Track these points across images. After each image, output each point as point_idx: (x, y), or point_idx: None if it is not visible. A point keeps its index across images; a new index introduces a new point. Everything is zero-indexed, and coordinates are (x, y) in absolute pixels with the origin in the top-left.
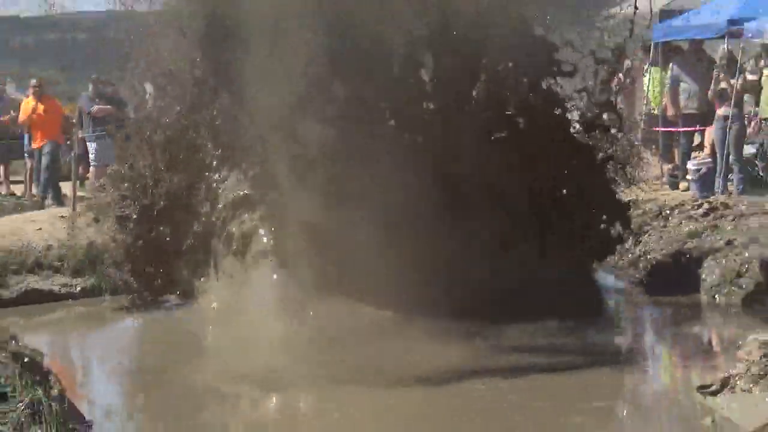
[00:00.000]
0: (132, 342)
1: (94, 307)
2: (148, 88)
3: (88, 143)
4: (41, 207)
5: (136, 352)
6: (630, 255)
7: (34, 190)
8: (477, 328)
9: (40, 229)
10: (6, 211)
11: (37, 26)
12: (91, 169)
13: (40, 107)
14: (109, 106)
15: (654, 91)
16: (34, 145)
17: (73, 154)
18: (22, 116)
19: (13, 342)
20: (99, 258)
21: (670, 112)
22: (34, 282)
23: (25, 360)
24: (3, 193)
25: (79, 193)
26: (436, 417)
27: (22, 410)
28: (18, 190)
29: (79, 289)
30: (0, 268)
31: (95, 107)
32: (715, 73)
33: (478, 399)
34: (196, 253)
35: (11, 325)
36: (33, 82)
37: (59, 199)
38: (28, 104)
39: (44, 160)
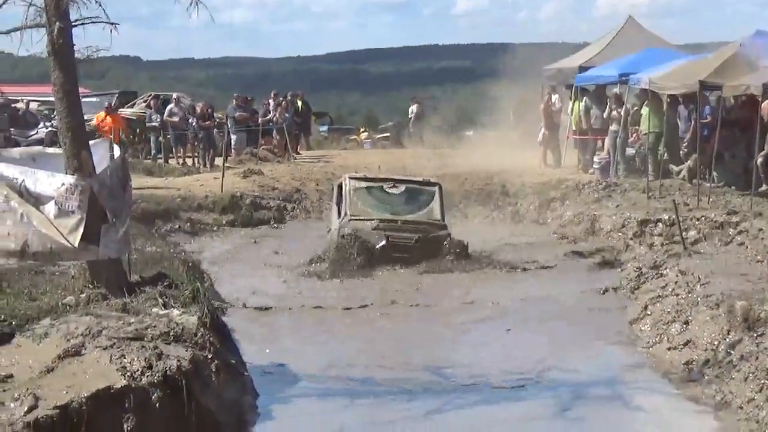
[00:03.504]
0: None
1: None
2: (271, 103)
3: (231, 135)
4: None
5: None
6: (557, 212)
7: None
8: None
9: (202, 185)
10: (181, 174)
11: (204, 65)
12: (233, 150)
13: (109, 119)
14: (246, 113)
15: (575, 114)
16: None
17: (224, 142)
18: (95, 122)
19: (183, 252)
20: (237, 203)
21: (584, 126)
22: (197, 216)
23: (189, 263)
24: (180, 164)
25: (226, 164)
26: None
27: (187, 294)
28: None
29: (224, 221)
30: (177, 207)
31: (237, 113)
32: (608, 104)
33: None
34: None
35: (182, 242)
36: (199, 103)
37: None
38: (99, 117)
39: None
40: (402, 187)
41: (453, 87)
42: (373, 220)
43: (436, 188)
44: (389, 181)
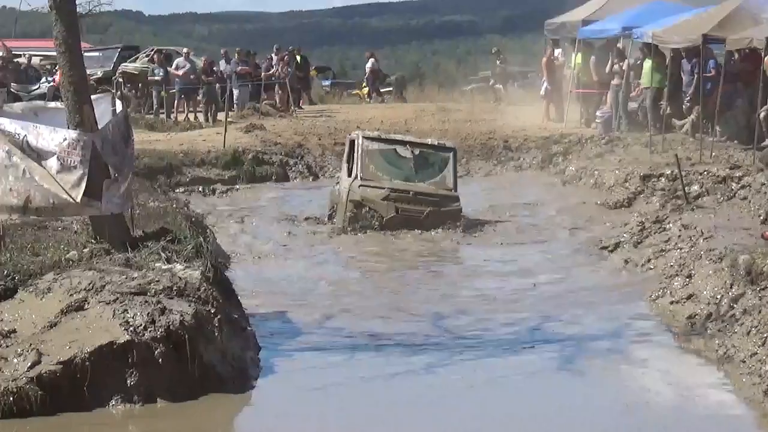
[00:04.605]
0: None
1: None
2: (274, 57)
3: (234, 90)
4: None
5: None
6: (560, 167)
7: (201, 118)
8: None
9: (205, 140)
10: (183, 129)
11: (204, 20)
12: (235, 105)
13: None
14: (248, 68)
15: (576, 68)
16: None
17: (226, 97)
18: (58, 78)
19: (186, 207)
20: (240, 158)
21: (595, 79)
22: (199, 172)
23: (192, 219)
24: (184, 119)
25: (228, 119)
26: None
27: (190, 249)
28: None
29: (226, 177)
30: (179, 163)
31: (240, 68)
32: (610, 58)
33: None
34: None
35: (185, 196)
36: (201, 58)
37: None
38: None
39: None
40: (416, 151)
41: (455, 41)
42: (384, 188)
43: (451, 154)
44: (403, 144)
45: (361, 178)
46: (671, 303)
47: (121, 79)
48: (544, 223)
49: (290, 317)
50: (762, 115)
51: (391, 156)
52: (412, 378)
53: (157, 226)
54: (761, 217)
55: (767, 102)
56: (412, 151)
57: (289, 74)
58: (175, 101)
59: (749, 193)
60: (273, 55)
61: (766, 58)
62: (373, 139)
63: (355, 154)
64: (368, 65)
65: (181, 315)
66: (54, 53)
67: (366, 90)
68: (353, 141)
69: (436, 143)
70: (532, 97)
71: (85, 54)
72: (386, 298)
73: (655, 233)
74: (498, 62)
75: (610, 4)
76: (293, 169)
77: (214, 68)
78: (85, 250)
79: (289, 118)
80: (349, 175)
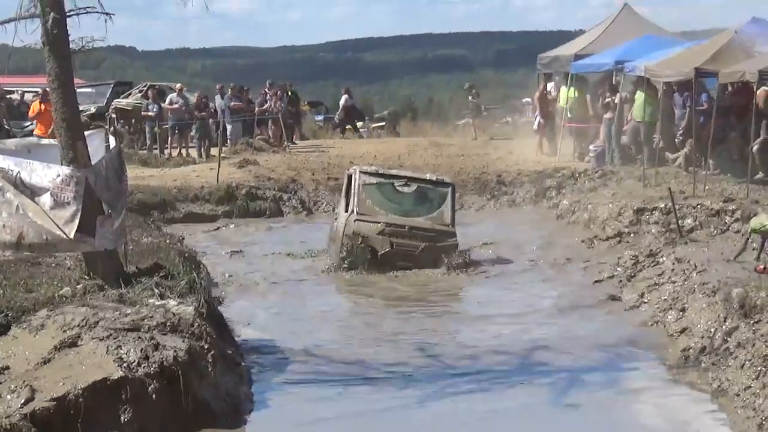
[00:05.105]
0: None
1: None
2: (268, 92)
3: (227, 125)
4: None
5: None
6: (553, 201)
7: (194, 154)
8: None
9: (198, 175)
10: (176, 164)
11: (197, 55)
12: (228, 140)
13: (44, 107)
14: (241, 103)
15: (569, 101)
16: (38, 133)
17: (219, 132)
18: (31, 113)
19: (179, 243)
20: (233, 194)
21: (591, 114)
22: (193, 207)
23: (186, 254)
24: (177, 154)
25: (222, 154)
26: None
27: (183, 285)
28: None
29: (220, 212)
30: (173, 198)
31: (233, 103)
32: (600, 92)
33: None
34: None
35: (178, 232)
36: (194, 93)
37: None
38: (35, 106)
39: None
40: (413, 186)
41: (448, 76)
42: (380, 223)
43: (449, 189)
44: (401, 179)
45: (357, 213)
46: (665, 336)
47: (114, 115)
48: (537, 258)
49: (284, 351)
50: (755, 148)
51: (388, 191)
52: (405, 412)
53: (151, 261)
54: (732, 256)
55: (760, 135)
56: (409, 187)
57: (282, 109)
58: (169, 137)
59: (743, 226)
60: (266, 90)
61: (758, 92)
62: (370, 173)
63: (352, 189)
64: (341, 101)
65: (175, 351)
66: (47, 89)
67: (360, 123)
68: (351, 176)
69: (434, 178)
70: (525, 131)
71: (78, 90)
72: (380, 332)
73: (648, 267)
74: (470, 98)
75: (602, 38)
76: (287, 204)
77: (209, 104)
78: (79, 287)
79: (282, 153)
80: (347, 209)
